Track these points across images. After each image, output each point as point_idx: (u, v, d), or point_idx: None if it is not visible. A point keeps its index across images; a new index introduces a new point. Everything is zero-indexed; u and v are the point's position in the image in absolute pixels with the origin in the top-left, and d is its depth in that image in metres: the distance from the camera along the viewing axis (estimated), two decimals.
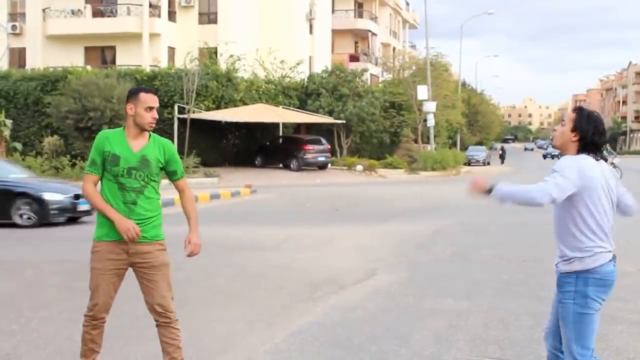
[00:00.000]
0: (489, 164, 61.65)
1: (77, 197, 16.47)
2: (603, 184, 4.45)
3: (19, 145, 30.69)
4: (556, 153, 65.97)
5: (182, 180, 5.47)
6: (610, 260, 4.45)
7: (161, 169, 5.30)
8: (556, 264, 4.55)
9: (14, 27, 44.51)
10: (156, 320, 5.54)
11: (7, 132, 30.50)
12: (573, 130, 4.50)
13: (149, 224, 5.27)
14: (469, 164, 57.30)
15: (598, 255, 4.39)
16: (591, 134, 4.47)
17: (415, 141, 44.24)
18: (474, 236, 14.53)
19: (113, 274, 5.38)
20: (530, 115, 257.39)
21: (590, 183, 4.38)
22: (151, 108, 5.19)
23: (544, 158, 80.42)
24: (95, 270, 5.41)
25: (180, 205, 5.55)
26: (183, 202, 5.52)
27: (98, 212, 5.29)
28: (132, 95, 5.25)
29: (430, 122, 43.00)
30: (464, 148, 66.38)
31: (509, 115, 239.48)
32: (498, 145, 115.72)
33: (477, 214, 18.99)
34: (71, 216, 16.88)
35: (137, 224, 5.17)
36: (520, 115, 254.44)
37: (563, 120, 4.62)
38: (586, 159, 4.44)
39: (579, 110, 4.59)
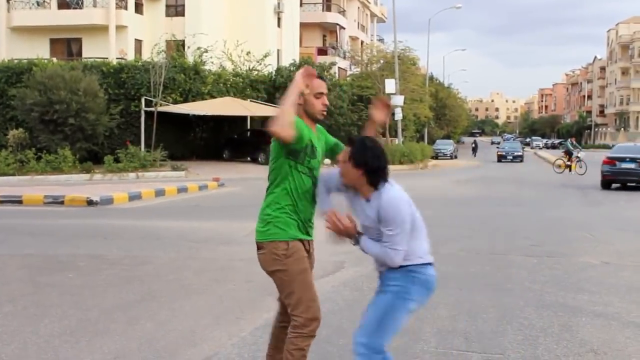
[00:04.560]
0: (456, 157, 62.06)
1: None
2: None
3: None
4: (519, 153, 56.55)
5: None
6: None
7: None
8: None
9: None
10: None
11: None
12: (355, 166, 4.33)
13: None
14: (436, 157, 57.69)
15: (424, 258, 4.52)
16: (372, 163, 4.33)
17: (383, 135, 44.34)
18: (441, 229, 14.57)
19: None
20: (497, 109, 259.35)
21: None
22: (322, 94, 4.74)
23: (499, 160, 56.60)
24: (303, 273, 4.69)
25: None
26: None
27: (277, 210, 4.67)
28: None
29: (398, 115, 43.15)
30: (432, 142, 66.78)
31: (476, 109, 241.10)
32: (466, 139, 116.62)
33: (444, 208, 19.10)
34: None
35: (310, 220, 4.82)
36: (487, 109, 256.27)
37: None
38: (394, 187, 4.38)
39: (352, 143, 4.41)
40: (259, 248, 4.75)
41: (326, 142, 5.00)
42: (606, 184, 27.08)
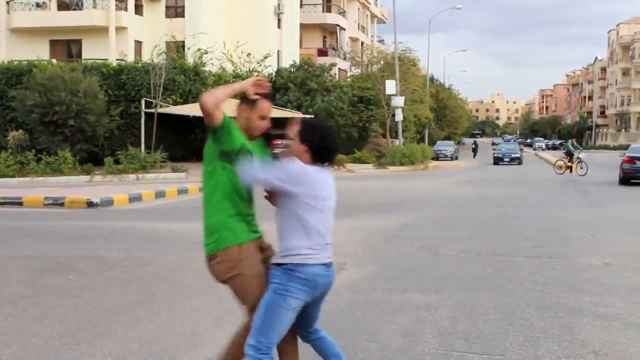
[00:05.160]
0: (456, 158, 62.01)
1: None
2: (325, 193, 4.64)
3: None
4: (517, 155, 54.10)
5: None
6: (322, 265, 4.61)
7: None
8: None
9: None
10: None
11: None
12: (302, 142, 4.56)
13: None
14: (437, 158, 57.65)
15: (304, 257, 4.51)
16: (318, 142, 4.57)
17: (384, 136, 44.34)
18: (442, 230, 14.59)
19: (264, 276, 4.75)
20: (497, 110, 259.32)
21: (310, 190, 4.53)
22: (265, 117, 4.86)
23: (496, 163, 53.60)
24: (258, 277, 4.71)
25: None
26: None
27: (223, 216, 4.70)
28: (249, 99, 4.82)
29: (399, 116, 43.14)
30: (432, 143, 66.74)
31: (477, 110, 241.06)
32: (466, 140, 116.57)
33: (445, 209, 19.08)
34: None
35: (253, 219, 4.90)
36: (487, 110, 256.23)
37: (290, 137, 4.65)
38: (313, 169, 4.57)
39: (302, 123, 4.68)
40: (212, 259, 4.75)
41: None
42: (626, 181, 29.81)
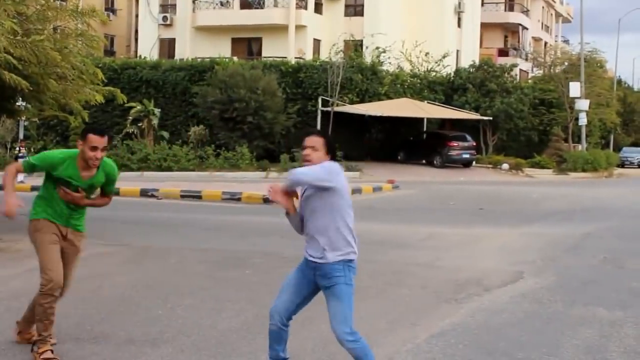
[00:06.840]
0: None
1: None
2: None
3: (165, 134, 31.72)
4: None
5: (110, 195, 6.31)
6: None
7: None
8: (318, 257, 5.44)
9: (164, 18, 45.93)
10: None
11: (155, 121, 31.61)
12: (327, 153, 5.44)
13: (79, 218, 6.16)
14: (622, 165, 54.94)
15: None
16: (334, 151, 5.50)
17: (566, 140, 42.73)
18: (627, 242, 13.79)
19: (57, 246, 6.01)
20: None
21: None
22: (95, 148, 5.81)
23: None
24: (45, 245, 5.92)
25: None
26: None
27: (35, 204, 6.03)
28: (82, 134, 5.91)
29: (582, 120, 41.45)
30: (618, 149, 63.75)
31: None
32: None
33: (631, 219, 18.06)
34: None
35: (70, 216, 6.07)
36: None
37: (311, 147, 5.39)
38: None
39: (323, 135, 5.50)
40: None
41: (107, 179, 6.12)
42: None
